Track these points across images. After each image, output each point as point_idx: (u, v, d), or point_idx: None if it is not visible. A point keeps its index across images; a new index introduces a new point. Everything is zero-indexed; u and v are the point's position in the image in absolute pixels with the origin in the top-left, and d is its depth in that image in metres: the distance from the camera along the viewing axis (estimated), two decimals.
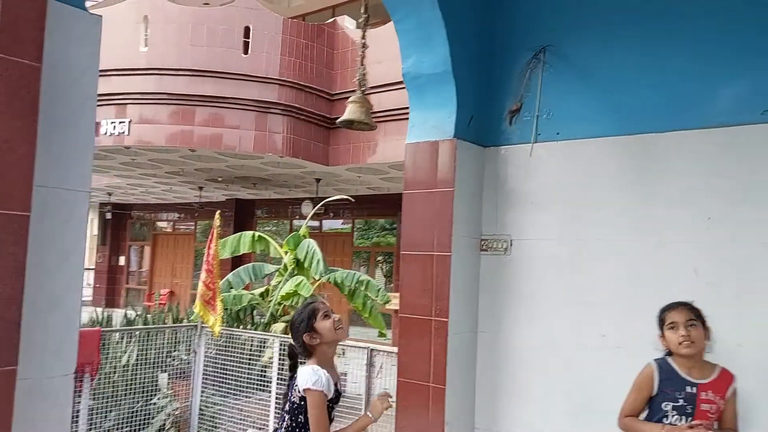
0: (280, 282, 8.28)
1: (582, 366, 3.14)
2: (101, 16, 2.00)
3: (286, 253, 8.46)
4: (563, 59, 3.32)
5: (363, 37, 3.64)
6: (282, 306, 8.01)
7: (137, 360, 5.62)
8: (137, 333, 5.85)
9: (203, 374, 5.86)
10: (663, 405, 2.46)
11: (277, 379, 5.39)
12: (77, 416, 4.66)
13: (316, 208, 9.21)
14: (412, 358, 3.45)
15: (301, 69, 10.98)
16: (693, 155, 2.88)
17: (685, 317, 2.45)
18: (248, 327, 7.90)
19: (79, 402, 4.73)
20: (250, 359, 6.44)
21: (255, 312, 8.62)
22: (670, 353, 2.53)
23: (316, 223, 16.31)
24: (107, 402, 5.27)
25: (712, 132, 2.83)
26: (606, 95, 3.18)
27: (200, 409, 5.70)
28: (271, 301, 8.11)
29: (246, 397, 6.00)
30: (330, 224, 16.51)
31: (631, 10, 3.14)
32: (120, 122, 10.58)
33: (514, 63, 3.50)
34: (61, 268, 1.67)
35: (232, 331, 6.16)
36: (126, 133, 10.54)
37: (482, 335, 3.49)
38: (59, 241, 1.67)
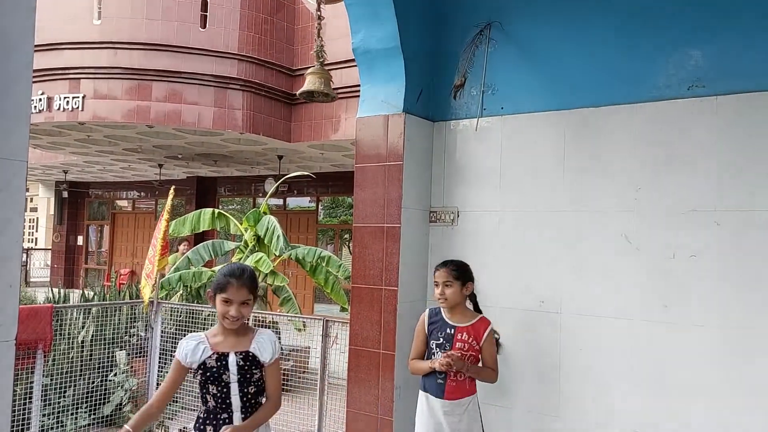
0: (240, 259, 8.27)
1: (524, 330, 3.29)
2: None
3: (246, 229, 8.45)
4: (507, 36, 3.41)
5: (318, 9, 3.68)
6: None
7: (94, 337, 5.59)
8: (94, 310, 5.80)
9: (163, 351, 5.87)
10: (431, 344, 2.99)
11: None
12: (31, 394, 4.63)
13: (277, 184, 9.17)
14: (363, 327, 3.56)
15: (261, 44, 10.83)
16: (625, 128, 3.02)
17: (444, 278, 2.94)
18: (209, 304, 7.90)
19: (32, 381, 4.70)
20: None
21: None
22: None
23: (279, 201, 16.25)
24: (63, 379, 5.24)
25: (643, 106, 2.97)
26: (547, 71, 3.29)
27: (158, 385, 5.71)
28: None
29: None
30: (296, 202, 16.45)
31: None
32: (73, 97, 10.30)
33: (461, 39, 3.57)
34: None
35: (191, 306, 6.16)
36: (80, 108, 10.27)
37: (431, 303, 3.61)
38: None
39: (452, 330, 2.94)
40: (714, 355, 2.76)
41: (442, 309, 3.01)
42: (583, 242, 3.11)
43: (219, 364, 2.38)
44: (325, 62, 3.68)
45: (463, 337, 2.92)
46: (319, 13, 3.89)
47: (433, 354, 2.96)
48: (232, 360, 2.38)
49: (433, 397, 2.93)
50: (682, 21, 2.90)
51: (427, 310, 3.06)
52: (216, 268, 8.66)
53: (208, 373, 2.38)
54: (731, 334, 2.72)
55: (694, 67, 2.86)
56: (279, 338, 6.82)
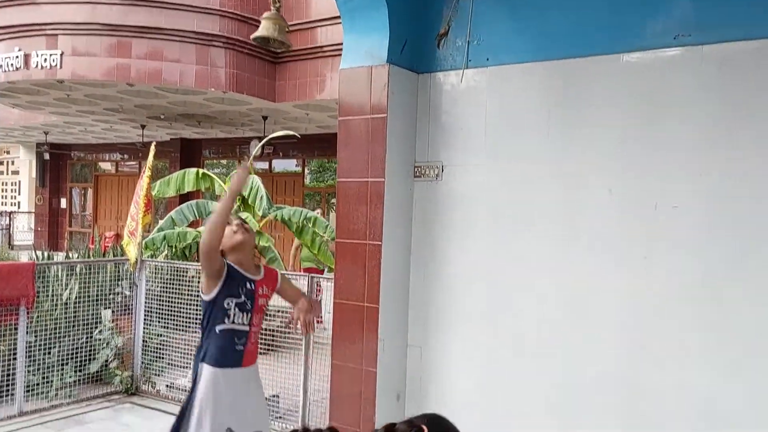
0: None
1: (506, 287, 3.30)
2: None
3: None
4: None
5: None
6: None
7: (78, 296, 5.56)
8: (78, 269, 5.76)
9: (148, 309, 5.86)
10: (226, 302, 2.65)
11: None
12: (15, 352, 4.62)
13: (261, 143, 9.04)
14: (347, 281, 3.56)
15: (244, 0, 10.57)
16: (611, 79, 2.98)
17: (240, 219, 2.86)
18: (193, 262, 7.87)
19: (16, 338, 4.70)
20: (197, 294, 6.47)
21: None
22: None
23: (265, 165, 16.11)
24: (49, 337, 5.23)
25: (629, 56, 2.93)
26: (531, 21, 3.23)
27: (144, 341, 5.73)
28: None
29: (193, 331, 6.06)
30: (282, 165, 16.33)
31: None
32: (51, 54, 10.03)
33: None
34: None
35: (176, 264, 6.14)
36: (58, 66, 10.01)
37: (414, 257, 3.62)
38: None
39: (252, 285, 2.75)
40: (696, 305, 2.79)
41: (232, 262, 2.75)
42: (567, 197, 3.10)
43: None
44: (280, 9, 3.64)
45: (263, 291, 2.81)
46: None
47: (228, 313, 2.66)
48: None
49: (232, 369, 2.68)
50: None
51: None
52: (201, 229, 8.62)
53: None
54: (714, 284, 2.74)
55: (681, 16, 2.81)
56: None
